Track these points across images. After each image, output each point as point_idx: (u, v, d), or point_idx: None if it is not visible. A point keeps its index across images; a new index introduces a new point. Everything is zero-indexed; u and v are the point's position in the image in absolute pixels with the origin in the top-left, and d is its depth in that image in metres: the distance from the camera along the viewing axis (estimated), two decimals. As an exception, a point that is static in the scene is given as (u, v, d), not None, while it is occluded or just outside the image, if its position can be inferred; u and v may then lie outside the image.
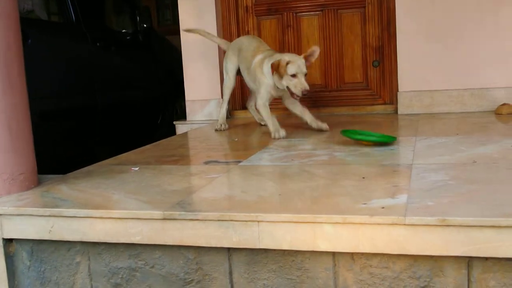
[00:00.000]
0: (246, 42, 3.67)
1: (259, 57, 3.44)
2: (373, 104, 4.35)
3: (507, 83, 3.94)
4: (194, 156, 3.03)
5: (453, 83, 4.01)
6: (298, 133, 3.36)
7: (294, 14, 4.51)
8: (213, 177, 2.29)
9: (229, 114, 4.61)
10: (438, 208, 1.67)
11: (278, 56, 3.26)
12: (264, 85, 3.37)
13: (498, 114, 3.76)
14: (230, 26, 4.58)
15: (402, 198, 1.79)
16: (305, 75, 3.18)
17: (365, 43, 4.37)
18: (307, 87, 3.14)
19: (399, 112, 4.14)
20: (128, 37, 5.29)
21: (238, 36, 4.59)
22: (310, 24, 4.49)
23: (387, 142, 2.82)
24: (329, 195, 1.92)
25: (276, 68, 3.18)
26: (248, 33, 4.61)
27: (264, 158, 2.67)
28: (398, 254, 1.65)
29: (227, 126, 3.85)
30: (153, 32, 5.61)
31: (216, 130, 3.81)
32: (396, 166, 2.32)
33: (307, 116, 3.46)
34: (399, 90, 4.13)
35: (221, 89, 4.50)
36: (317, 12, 4.46)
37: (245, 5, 4.60)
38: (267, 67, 3.33)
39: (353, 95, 4.42)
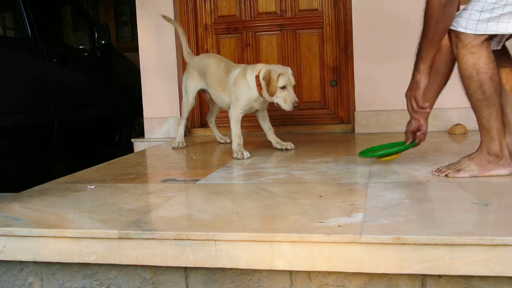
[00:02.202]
0: (213, 60, 3.58)
1: (238, 71, 3.34)
2: (331, 123, 4.40)
3: (460, 104, 4.02)
4: (151, 174, 3.00)
5: (408, 103, 4.07)
6: (257, 152, 3.37)
7: (253, 33, 4.55)
8: (170, 196, 2.27)
9: (188, 132, 4.60)
10: (393, 227, 1.70)
11: (264, 67, 3.20)
12: (246, 96, 3.27)
13: (452, 134, 3.85)
14: (189, 44, 4.57)
15: (358, 217, 1.81)
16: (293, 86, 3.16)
17: (323, 63, 4.43)
18: (297, 100, 3.11)
19: (356, 131, 4.20)
20: (85, 54, 5.23)
21: (197, 53, 4.59)
22: (269, 43, 4.53)
23: (407, 148, 2.77)
24: (287, 214, 1.93)
25: (268, 82, 3.10)
26: (207, 51, 4.62)
27: (222, 177, 2.66)
28: (354, 272, 1.67)
29: (184, 144, 3.81)
30: (111, 48, 5.56)
31: (173, 148, 3.77)
32: (352, 184, 2.35)
33: (272, 137, 3.46)
34: (356, 109, 4.19)
35: (180, 107, 4.49)
36: (276, 32, 4.50)
37: (204, 23, 4.62)
38: (251, 79, 3.23)
39: (312, 114, 4.46)
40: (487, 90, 2.24)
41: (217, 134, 3.96)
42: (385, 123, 4.13)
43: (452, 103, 4.03)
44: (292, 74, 3.20)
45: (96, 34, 5.20)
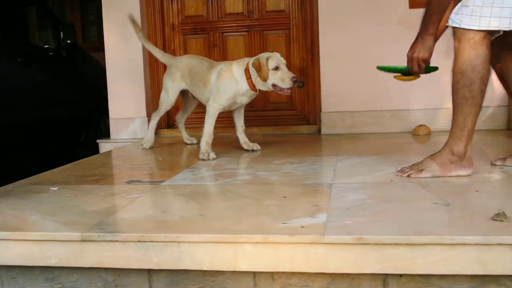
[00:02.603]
0: (196, 60, 3.55)
1: (221, 66, 3.31)
2: (297, 124, 4.42)
3: (425, 105, 4.11)
4: (116, 175, 2.98)
5: (373, 104, 4.14)
6: (223, 153, 3.37)
7: (221, 34, 4.54)
8: (134, 197, 2.25)
9: (154, 133, 4.55)
10: (355, 227, 1.72)
11: (249, 60, 3.19)
12: (230, 90, 3.21)
13: (416, 134, 3.91)
14: (156, 44, 4.54)
15: (322, 217, 1.82)
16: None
17: (290, 64, 4.44)
18: (294, 75, 3.05)
19: (322, 132, 4.23)
20: (50, 53, 5.16)
21: (164, 54, 4.57)
22: (236, 44, 4.53)
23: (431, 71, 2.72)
24: (251, 215, 1.93)
25: (258, 68, 3.05)
26: (174, 51, 4.60)
27: (188, 178, 2.66)
28: (317, 273, 1.68)
29: (152, 144, 3.75)
30: (77, 48, 5.50)
31: (143, 146, 3.74)
32: (317, 185, 2.36)
33: (242, 135, 3.44)
34: (322, 110, 4.22)
35: (146, 107, 4.47)
36: (243, 33, 4.51)
37: (171, 23, 4.60)
38: (239, 73, 3.19)
39: (278, 115, 4.48)
40: (475, 89, 2.28)
41: (185, 135, 3.92)
42: (351, 124, 4.17)
43: (417, 104, 4.11)
44: (281, 55, 3.16)
45: (61, 33, 5.13)
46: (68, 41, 5.16)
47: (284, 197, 2.15)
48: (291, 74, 3.04)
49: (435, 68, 2.71)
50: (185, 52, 4.58)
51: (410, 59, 2.59)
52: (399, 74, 2.76)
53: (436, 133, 3.92)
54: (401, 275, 1.65)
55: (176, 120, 3.94)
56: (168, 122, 4.63)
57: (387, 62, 4.08)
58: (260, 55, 3.15)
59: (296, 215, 1.88)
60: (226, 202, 2.13)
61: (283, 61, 3.11)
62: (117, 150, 3.95)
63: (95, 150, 4.56)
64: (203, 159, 3.13)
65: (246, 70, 3.16)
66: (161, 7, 4.57)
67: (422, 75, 2.68)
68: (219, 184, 2.46)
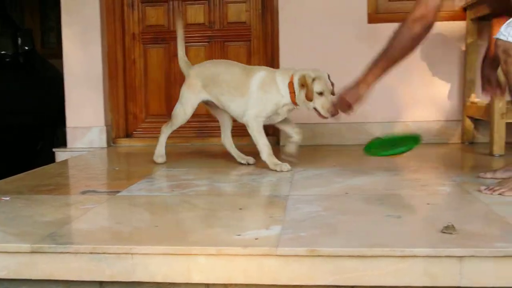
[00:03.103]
0: (223, 66, 3.27)
1: (263, 73, 3.08)
2: (257, 135, 4.43)
3: (381, 118, 4.17)
4: (71, 185, 2.94)
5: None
6: (181, 163, 3.35)
7: (181, 44, 4.53)
8: (89, 208, 2.23)
9: (112, 142, 4.52)
10: (309, 239, 1.73)
11: (297, 72, 2.98)
12: (271, 103, 3.01)
13: (373, 147, 3.96)
14: (116, 53, 4.52)
15: (276, 229, 1.83)
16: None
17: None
18: (333, 108, 2.88)
19: (281, 144, 4.24)
20: (7, 59, 5.06)
21: (124, 63, 4.54)
22: (197, 54, 4.52)
23: (416, 145, 2.81)
24: (206, 227, 1.93)
25: (302, 86, 2.90)
26: (134, 61, 4.57)
27: (144, 188, 2.64)
28: (270, 285, 1.68)
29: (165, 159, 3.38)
30: (35, 55, 5.41)
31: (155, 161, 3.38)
32: (273, 197, 2.38)
33: (294, 138, 3.23)
34: (281, 122, 4.25)
35: (104, 116, 4.42)
36: (204, 43, 4.51)
37: (132, 32, 4.57)
38: (283, 85, 2.99)
39: (237, 126, 4.46)
40: None
41: (236, 153, 3.38)
42: (308, 136, 4.20)
43: (374, 117, 4.17)
44: (329, 77, 3.02)
45: (19, 39, 5.05)
46: (26, 48, 5.09)
47: (240, 208, 2.16)
48: (331, 106, 2.89)
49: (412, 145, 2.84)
50: (145, 62, 4.56)
51: (340, 99, 2.63)
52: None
53: (392, 146, 3.99)
54: (352, 287, 1.67)
55: (222, 141, 3.43)
56: (126, 131, 4.59)
57: (345, 75, 4.15)
58: (306, 71, 2.95)
59: (251, 227, 1.89)
60: (181, 213, 2.13)
61: (330, 86, 2.96)
62: (73, 159, 3.90)
63: (51, 159, 4.49)
64: (281, 171, 2.98)
65: (291, 84, 2.97)
66: (122, 16, 4.54)
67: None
68: (175, 195, 2.45)
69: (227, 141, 3.39)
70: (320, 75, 2.93)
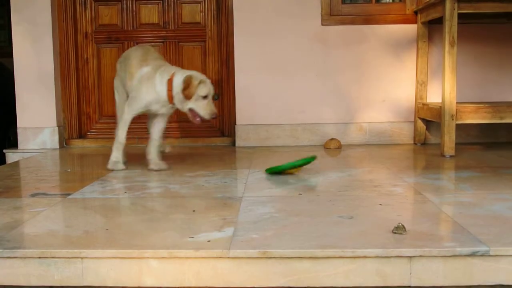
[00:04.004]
0: (132, 53, 3.28)
1: (147, 69, 3.09)
2: (211, 136, 4.42)
3: (336, 119, 4.22)
4: (21, 187, 2.86)
5: (287, 118, 4.21)
6: (135, 164, 3.31)
7: (135, 44, 4.48)
8: (38, 211, 2.18)
9: (65, 143, 4.44)
10: (261, 241, 1.73)
11: (180, 72, 3.00)
12: (143, 99, 3.04)
13: (327, 148, 4.00)
14: (68, 52, 4.44)
15: (229, 231, 1.83)
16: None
17: (205, 76, 4.44)
18: (216, 111, 2.98)
19: (236, 145, 4.25)
20: (-46, 58, 4.91)
21: (76, 62, 4.47)
22: (151, 54, 4.48)
23: (309, 161, 2.93)
24: (158, 229, 1.91)
25: (186, 85, 2.90)
26: (87, 60, 4.49)
27: (96, 191, 2.59)
28: (223, 287, 1.68)
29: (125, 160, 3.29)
30: (-16, 54, 5.26)
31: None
32: (227, 199, 2.37)
33: (152, 151, 3.19)
34: (236, 123, 4.25)
35: (56, 117, 4.33)
36: (159, 43, 4.47)
37: (84, 31, 4.49)
38: (161, 82, 3.00)
39: (192, 127, 4.45)
40: None
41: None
42: (264, 137, 4.22)
43: (329, 118, 4.21)
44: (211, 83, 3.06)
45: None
46: (-26, 46, 4.94)
47: (194, 210, 2.15)
48: (214, 110, 2.98)
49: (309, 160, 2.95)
50: (98, 61, 4.50)
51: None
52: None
53: (346, 147, 4.03)
54: (305, 288, 1.68)
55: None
56: (79, 132, 4.51)
57: (300, 75, 4.19)
58: (193, 73, 3.00)
59: (203, 229, 1.87)
60: (133, 216, 2.10)
61: (213, 91, 3.02)
62: (24, 160, 3.80)
63: (1, 160, 4.37)
64: (111, 169, 3.09)
65: (170, 82, 2.99)
66: (74, 14, 4.46)
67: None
68: (128, 197, 2.42)
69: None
70: (205, 80, 3.00)
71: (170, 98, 3.01)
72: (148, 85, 3.06)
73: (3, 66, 5.52)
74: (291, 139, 4.21)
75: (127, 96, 3.24)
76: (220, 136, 4.44)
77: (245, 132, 4.23)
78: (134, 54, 3.25)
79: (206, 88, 2.94)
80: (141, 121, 3.60)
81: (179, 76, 2.98)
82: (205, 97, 2.94)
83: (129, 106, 3.11)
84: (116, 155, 3.14)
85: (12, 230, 1.92)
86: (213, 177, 2.89)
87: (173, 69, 3.09)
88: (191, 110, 2.97)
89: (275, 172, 2.93)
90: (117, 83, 3.42)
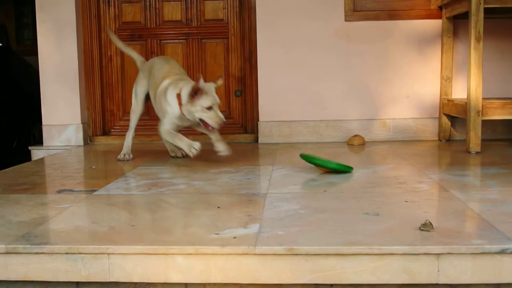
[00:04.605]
0: (157, 64, 3.38)
1: (165, 83, 3.19)
2: (235, 133, 4.42)
3: (359, 115, 4.19)
4: (47, 184, 2.89)
5: (309, 114, 4.20)
6: (158, 161, 3.33)
7: (158, 41, 4.50)
8: (64, 207, 2.20)
9: (89, 140, 4.48)
10: (287, 237, 1.73)
11: (186, 85, 3.06)
12: (166, 115, 3.14)
13: (350, 144, 3.98)
14: (92, 50, 4.47)
15: (254, 228, 1.82)
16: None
17: (228, 72, 4.46)
18: (224, 119, 3.00)
19: (259, 141, 4.25)
20: (-19, 56, 4.99)
21: (100, 60, 4.50)
22: (174, 51, 4.50)
23: (344, 170, 2.83)
24: (183, 226, 1.92)
25: (192, 99, 2.98)
26: (110, 57, 4.52)
27: (121, 187, 2.61)
28: (249, 283, 1.67)
29: (131, 156, 3.47)
30: (10, 51, 5.33)
31: (118, 160, 3.45)
32: (251, 195, 2.37)
33: (214, 135, 3.25)
34: (259, 119, 4.25)
35: (81, 114, 4.37)
36: (181, 40, 4.48)
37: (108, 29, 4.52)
38: (171, 96, 3.10)
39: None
40: None
41: (169, 147, 3.59)
42: (287, 134, 4.21)
43: (352, 114, 4.19)
44: (215, 89, 3.08)
45: (-7, 36, 4.98)
46: (1, 44, 5.01)
47: (218, 207, 2.14)
48: (221, 119, 3.01)
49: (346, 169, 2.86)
50: (122, 59, 4.52)
51: None
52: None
53: (370, 143, 4.01)
54: (331, 285, 1.67)
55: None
56: (103, 128, 4.54)
57: (323, 72, 4.17)
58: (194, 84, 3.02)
59: (228, 225, 1.87)
60: (158, 212, 2.10)
61: (218, 101, 3.04)
62: (49, 157, 3.84)
63: (27, 157, 4.42)
64: (192, 154, 3.05)
65: (179, 96, 3.07)
66: (98, 12, 4.49)
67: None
68: (153, 194, 2.43)
69: None
70: (207, 90, 3.01)
71: (182, 110, 3.10)
72: (162, 100, 3.16)
73: (28, 64, 5.60)
74: (314, 135, 4.20)
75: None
76: (243, 132, 4.45)
77: (268, 129, 4.23)
78: (158, 65, 3.35)
79: (208, 99, 2.98)
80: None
81: (185, 90, 3.04)
82: (210, 108, 2.99)
83: (163, 123, 3.19)
84: (185, 142, 3.10)
85: (39, 226, 1.94)
86: (237, 173, 2.89)
87: (179, 82, 3.14)
88: (201, 120, 3.04)
89: (307, 161, 2.91)
90: (138, 88, 3.47)
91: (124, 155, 3.45)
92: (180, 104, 3.06)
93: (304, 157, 2.94)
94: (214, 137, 3.22)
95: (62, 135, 4.39)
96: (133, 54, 3.65)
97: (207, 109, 2.99)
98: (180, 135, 3.14)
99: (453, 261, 1.61)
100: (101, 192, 2.50)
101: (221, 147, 3.21)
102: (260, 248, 1.63)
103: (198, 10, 4.46)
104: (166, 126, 3.17)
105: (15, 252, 1.70)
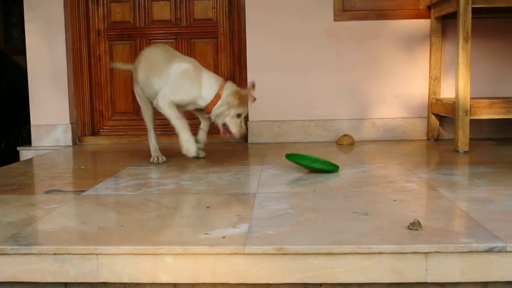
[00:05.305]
0: (153, 52, 3.28)
1: (188, 65, 3.11)
2: (224, 133, 4.41)
3: (349, 115, 4.20)
4: (35, 184, 2.87)
5: (299, 114, 4.20)
6: (147, 161, 3.32)
7: (148, 41, 4.49)
8: (53, 208, 2.19)
9: (78, 140, 4.46)
10: (276, 237, 1.73)
11: (230, 86, 3.08)
12: (185, 94, 3.05)
13: (340, 144, 3.99)
14: (81, 49, 4.45)
15: (244, 227, 1.83)
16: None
17: (217, 72, 4.42)
18: (246, 132, 3.00)
19: (249, 141, 4.25)
20: (-32, 56, 4.94)
21: (88, 59, 4.48)
22: (163, 51, 4.49)
23: (330, 170, 2.84)
24: (172, 226, 1.91)
25: (233, 99, 2.97)
26: (100, 57, 4.51)
27: (110, 187, 2.60)
28: (238, 283, 1.68)
29: (164, 158, 3.31)
30: (-2, 51, 5.29)
31: (151, 163, 3.28)
32: (241, 195, 2.37)
33: (201, 137, 3.33)
34: (249, 119, 4.24)
35: (69, 114, 4.35)
36: (171, 40, 4.47)
37: (97, 28, 4.51)
38: (211, 86, 3.05)
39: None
40: None
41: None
42: (277, 133, 4.22)
43: (342, 114, 4.20)
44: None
45: (-20, 36, 4.93)
46: (-12, 44, 4.97)
47: (207, 207, 2.14)
48: (245, 130, 3.07)
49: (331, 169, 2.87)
50: (111, 58, 4.50)
51: None
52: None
53: (359, 143, 4.02)
54: (321, 285, 1.67)
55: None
56: (92, 129, 4.52)
57: (313, 71, 4.18)
58: (238, 91, 3.04)
59: (218, 225, 1.87)
60: (148, 212, 2.10)
61: (246, 113, 3.09)
62: (38, 158, 3.82)
63: (16, 158, 4.40)
64: (187, 156, 3.08)
65: (218, 95, 3.04)
66: (86, 12, 4.47)
67: None
68: (142, 194, 2.42)
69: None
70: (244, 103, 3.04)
71: (210, 108, 3.07)
72: (192, 83, 3.07)
73: (16, 63, 5.55)
74: (303, 135, 4.20)
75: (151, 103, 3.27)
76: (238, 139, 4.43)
77: (257, 129, 4.23)
78: (157, 52, 3.27)
79: (244, 108, 3.02)
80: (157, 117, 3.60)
81: (229, 89, 3.05)
82: (239, 115, 3.01)
83: (165, 95, 3.06)
84: (188, 137, 3.06)
85: (27, 226, 1.93)
86: (226, 173, 2.89)
87: (218, 78, 3.12)
88: (224, 125, 3.03)
89: (292, 161, 2.91)
90: (137, 89, 3.36)
91: (156, 158, 3.30)
92: (214, 103, 3.04)
93: (289, 156, 2.94)
94: (204, 129, 3.28)
95: (51, 135, 4.37)
96: (129, 66, 3.62)
97: (236, 116, 3.01)
98: (185, 123, 3.05)
99: (441, 259, 1.62)
100: (90, 192, 2.49)
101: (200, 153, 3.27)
102: (250, 248, 1.63)
103: (187, 9, 4.45)
104: (175, 98, 3.05)
105: (3, 253, 1.69)
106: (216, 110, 3.03)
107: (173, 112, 3.05)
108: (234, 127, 3.01)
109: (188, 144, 3.03)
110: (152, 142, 3.38)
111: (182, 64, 3.13)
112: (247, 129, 3.02)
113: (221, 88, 3.06)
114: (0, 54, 5.36)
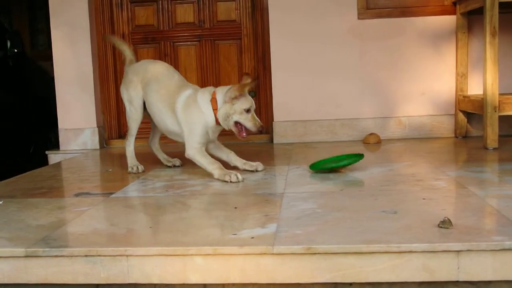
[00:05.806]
0: (161, 70, 3.09)
1: (189, 92, 2.92)
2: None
3: (375, 114, 4.17)
4: (64, 188, 2.91)
5: (324, 113, 4.18)
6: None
7: (172, 44, 4.52)
8: (82, 210, 2.21)
9: (105, 144, 4.50)
10: (305, 237, 1.72)
11: (220, 89, 2.86)
12: (199, 127, 2.85)
13: (366, 143, 3.96)
14: (106, 54, 4.50)
15: (272, 228, 1.82)
16: None
17: (241, 73, 4.45)
18: (262, 123, 2.83)
19: (274, 142, 4.24)
20: (-4, 62, 5.02)
21: (114, 63, 4.52)
22: (187, 53, 4.51)
23: (357, 161, 2.88)
24: (201, 227, 1.92)
25: (230, 100, 2.76)
26: (124, 61, 4.53)
27: (137, 189, 2.62)
28: (268, 283, 1.67)
29: (142, 167, 3.17)
30: (25, 57, 5.37)
31: (129, 173, 3.14)
32: (268, 195, 2.37)
33: (236, 160, 3.02)
34: (274, 120, 4.24)
35: (96, 118, 4.40)
36: (195, 42, 4.49)
37: (121, 32, 4.54)
38: (204, 102, 2.84)
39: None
40: None
41: (163, 157, 3.33)
42: (302, 133, 4.20)
43: (368, 113, 4.17)
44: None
45: (8, 42, 5.01)
46: (15, 50, 5.04)
47: (235, 207, 2.15)
48: (259, 122, 2.82)
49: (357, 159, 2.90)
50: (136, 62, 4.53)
51: None
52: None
53: (386, 142, 3.99)
54: (351, 284, 1.66)
55: (149, 145, 3.37)
56: (119, 132, 4.56)
57: (337, 70, 4.16)
58: (234, 85, 2.83)
59: (246, 225, 1.87)
60: (176, 213, 2.11)
61: (253, 103, 2.83)
62: (66, 161, 3.87)
63: (44, 162, 4.46)
64: (231, 181, 2.72)
65: (213, 100, 2.83)
66: (111, 16, 4.52)
67: None
68: (170, 196, 2.44)
69: (153, 144, 3.33)
70: (245, 92, 2.82)
71: (217, 118, 2.85)
72: (190, 111, 2.88)
73: (42, 69, 5.63)
74: (329, 134, 4.18)
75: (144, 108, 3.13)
76: (257, 133, 4.43)
77: (282, 129, 4.23)
78: (162, 75, 3.07)
79: (247, 101, 2.79)
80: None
81: (221, 92, 2.84)
82: (248, 110, 2.79)
83: (191, 140, 2.88)
84: (220, 170, 2.81)
85: (58, 229, 1.95)
86: (253, 174, 2.89)
87: (207, 88, 2.95)
88: (236, 124, 2.81)
89: (318, 168, 2.87)
90: (132, 93, 3.14)
91: (136, 168, 3.16)
92: (215, 109, 2.82)
93: (313, 167, 2.89)
94: (239, 163, 3.01)
95: (78, 139, 4.42)
96: (125, 48, 3.40)
97: (245, 112, 2.80)
98: (215, 161, 2.86)
99: (473, 258, 1.60)
100: (118, 194, 2.52)
101: (256, 165, 3.02)
102: (278, 248, 1.63)
103: (210, 11, 4.47)
104: (197, 144, 2.87)
105: (35, 256, 1.72)
106: (220, 113, 2.81)
107: (206, 159, 2.87)
108: (247, 122, 2.78)
109: (227, 177, 2.74)
110: (130, 149, 3.22)
111: (183, 94, 2.95)
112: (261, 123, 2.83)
113: (213, 93, 2.87)
114: (27, 60, 5.44)
